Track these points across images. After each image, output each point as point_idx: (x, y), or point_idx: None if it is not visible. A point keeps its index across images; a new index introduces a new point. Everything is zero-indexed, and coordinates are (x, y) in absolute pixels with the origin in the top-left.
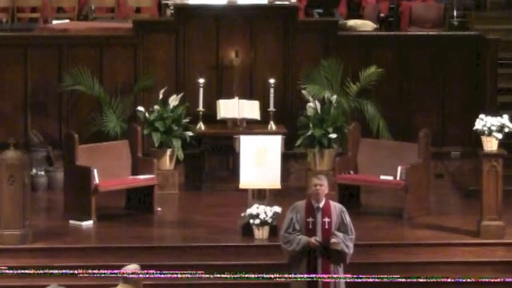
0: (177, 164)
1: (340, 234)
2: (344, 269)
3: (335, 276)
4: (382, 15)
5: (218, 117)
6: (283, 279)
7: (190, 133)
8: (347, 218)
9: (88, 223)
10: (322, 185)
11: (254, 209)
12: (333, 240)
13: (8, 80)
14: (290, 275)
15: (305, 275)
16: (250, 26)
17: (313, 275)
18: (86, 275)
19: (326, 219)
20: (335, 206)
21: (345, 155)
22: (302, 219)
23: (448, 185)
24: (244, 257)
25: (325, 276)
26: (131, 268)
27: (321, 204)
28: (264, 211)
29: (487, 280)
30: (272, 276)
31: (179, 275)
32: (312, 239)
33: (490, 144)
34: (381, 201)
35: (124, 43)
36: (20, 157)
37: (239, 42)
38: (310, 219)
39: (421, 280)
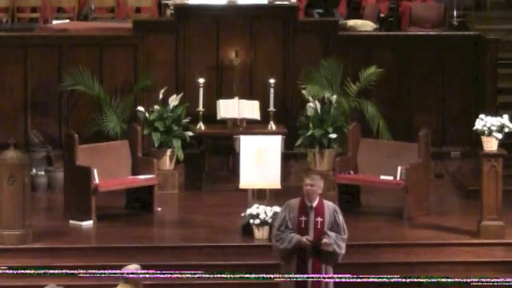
0: (177, 164)
1: (332, 234)
2: (334, 268)
3: (335, 276)
4: (382, 15)
5: (218, 117)
6: (283, 279)
7: (190, 133)
8: (340, 218)
9: (88, 223)
10: (314, 185)
11: (254, 209)
12: (324, 240)
13: (8, 80)
14: (289, 275)
15: (310, 275)
16: (250, 26)
17: (315, 276)
18: (86, 275)
19: (319, 219)
20: (328, 206)
21: (345, 155)
22: (295, 217)
23: (448, 185)
24: (244, 257)
25: (323, 276)
26: (131, 268)
27: (314, 204)
28: (264, 211)
29: (487, 280)
30: (272, 276)
31: (179, 275)
32: (304, 238)
33: (490, 144)
34: (381, 201)
35: (124, 43)
36: (20, 157)
37: (239, 42)
38: (303, 218)
39: (421, 280)
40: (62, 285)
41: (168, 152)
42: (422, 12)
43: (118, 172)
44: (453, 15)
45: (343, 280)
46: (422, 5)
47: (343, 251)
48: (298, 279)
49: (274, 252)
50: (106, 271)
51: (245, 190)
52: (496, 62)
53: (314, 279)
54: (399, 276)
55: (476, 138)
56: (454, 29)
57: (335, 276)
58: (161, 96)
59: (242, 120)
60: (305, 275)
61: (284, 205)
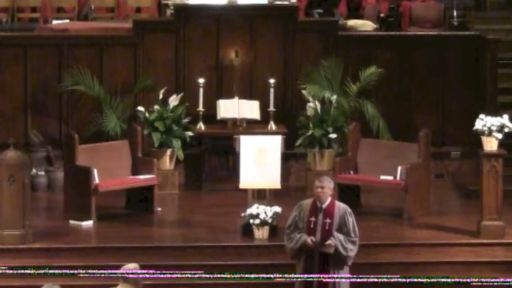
0: (177, 164)
1: (340, 236)
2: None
3: (335, 276)
4: (382, 15)
5: (218, 117)
6: (283, 279)
7: (190, 133)
8: (350, 220)
9: (88, 223)
10: (323, 187)
11: (254, 209)
12: (328, 242)
13: (8, 80)
14: (289, 275)
15: (311, 275)
16: (250, 26)
17: (316, 276)
18: (86, 275)
19: (328, 220)
20: (339, 207)
21: (345, 155)
22: (305, 217)
23: (448, 185)
24: (244, 257)
25: (325, 276)
26: (131, 267)
27: (325, 205)
28: (264, 211)
29: (487, 280)
30: (272, 276)
31: (179, 275)
32: (308, 239)
33: (490, 144)
34: (381, 201)
35: (124, 43)
36: (20, 157)
37: (239, 42)
38: (312, 219)
39: (421, 280)
40: (62, 285)
41: (168, 152)
42: (422, 12)
43: (118, 172)
44: (453, 15)
45: (343, 280)
46: (422, 5)
47: (351, 254)
48: (299, 279)
49: (286, 251)
50: (106, 271)
51: (245, 190)
52: (496, 62)
53: (315, 279)
54: (399, 276)
55: (476, 138)
56: (454, 29)
57: (335, 276)
58: (161, 96)
59: (242, 120)
60: (305, 275)
61: (297, 204)
